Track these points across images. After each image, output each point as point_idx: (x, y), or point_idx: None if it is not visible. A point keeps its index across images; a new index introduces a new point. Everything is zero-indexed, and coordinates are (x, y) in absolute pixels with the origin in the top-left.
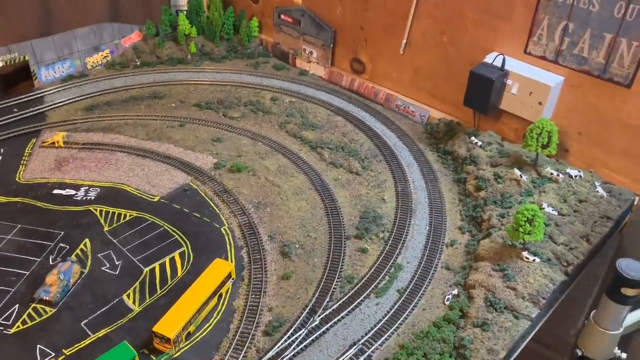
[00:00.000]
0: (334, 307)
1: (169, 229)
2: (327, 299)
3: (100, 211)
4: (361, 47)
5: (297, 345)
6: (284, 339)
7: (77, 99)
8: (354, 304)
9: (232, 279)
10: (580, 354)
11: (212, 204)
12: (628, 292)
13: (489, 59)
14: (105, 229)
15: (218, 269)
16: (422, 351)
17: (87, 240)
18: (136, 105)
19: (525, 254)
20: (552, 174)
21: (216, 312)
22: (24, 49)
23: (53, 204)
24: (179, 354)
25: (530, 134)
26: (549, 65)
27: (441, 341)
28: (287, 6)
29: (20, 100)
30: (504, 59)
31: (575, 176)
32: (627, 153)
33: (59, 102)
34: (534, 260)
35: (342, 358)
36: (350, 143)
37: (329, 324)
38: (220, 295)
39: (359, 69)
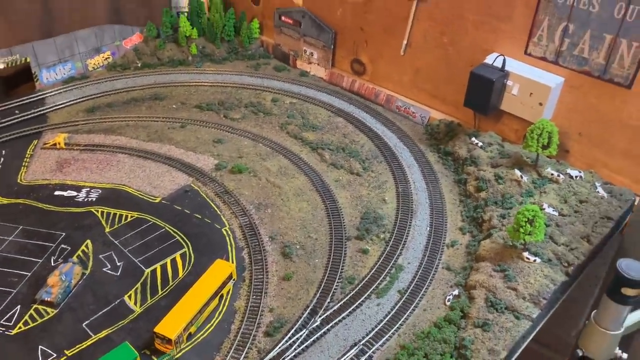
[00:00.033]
0: (335, 307)
1: (170, 230)
2: (328, 300)
3: (102, 212)
4: (362, 49)
5: (298, 346)
6: (285, 339)
7: (78, 100)
8: (355, 305)
9: (233, 279)
10: (581, 354)
11: (213, 205)
12: (629, 292)
13: (489, 60)
14: (107, 230)
15: (219, 270)
16: (423, 351)
17: (88, 241)
18: (137, 106)
19: (526, 254)
20: (552, 174)
21: (217, 313)
22: (25, 51)
23: (54, 205)
24: (180, 354)
25: (531, 134)
26: (550, 66)
27: (442, 341)
28: (288, 8)
29: (21, 102)
30: (504, 60)
31: (576, 177)
32: (627, 153)
33: (61, 104)
34: (534, 260)
35: (343, 358)
36: (351, 144)
37: (330, 324)
38: (222, 296)
39: (359, 70)
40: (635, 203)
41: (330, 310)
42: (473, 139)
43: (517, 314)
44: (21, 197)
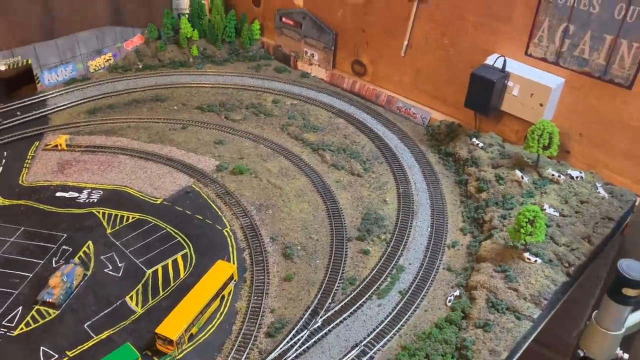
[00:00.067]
0: (336, 308)
1: (171, 231)
2: (329, 301)
3: (103, 214)
4: (362, 50)
5: (300, 347)
6: (286, 340)
7: (79, 102)
8: (356, 306)
9: (235, 280)
10: (582, 354)
11: (214, 206)
12: (629, 292)
13: (489, 60)
14: (108, 231)
15: (220, 271)
16: (424, 352)
17: (90, 242)
18: (138, 108)
19: (526, 255)
20: (553, 175)
21: (219, 314)
22: (27, 53)
23: (56, 206)
24: (181, 355)
25: (532, 135)
26: (550, 66)
27: (443, 342)
28: (289, 9)
29: (23, 104)
30: (504, 61)
31: (577, 177)
32: (628, 154)
33: (62, 105)
34: (535, 261)
35: (344, 359)
36: (352, 145)
37: (331, 325)
38: (223, 297)
39: (360, 71)
40: (636, 204)
41: (332, 311)
42: (474, 139)
43: (518, 314)
44: (23, 199)
